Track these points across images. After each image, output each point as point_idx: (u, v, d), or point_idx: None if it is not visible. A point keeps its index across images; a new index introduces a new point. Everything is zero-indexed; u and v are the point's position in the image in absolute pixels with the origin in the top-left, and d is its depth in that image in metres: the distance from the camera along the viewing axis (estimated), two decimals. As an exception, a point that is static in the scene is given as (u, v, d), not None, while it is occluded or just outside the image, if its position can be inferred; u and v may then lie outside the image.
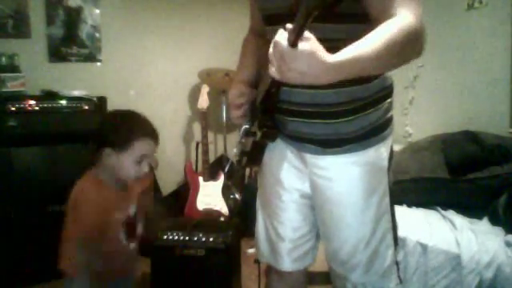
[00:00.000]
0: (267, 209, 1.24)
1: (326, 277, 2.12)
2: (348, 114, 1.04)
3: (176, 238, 2.01)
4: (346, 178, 1.09)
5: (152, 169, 1.43)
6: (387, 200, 1.15)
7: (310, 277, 2.12)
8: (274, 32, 0.84)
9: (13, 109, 2.21)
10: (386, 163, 1.12)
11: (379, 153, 1.10)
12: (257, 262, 1.38)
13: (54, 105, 2.32)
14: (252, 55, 1.25)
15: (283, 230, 1.21)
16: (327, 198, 1.12)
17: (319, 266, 2.08)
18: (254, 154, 1.20)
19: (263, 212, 1.27)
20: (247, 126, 1.19)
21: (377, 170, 1.11)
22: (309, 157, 1.11)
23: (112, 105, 2.54)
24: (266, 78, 1.01)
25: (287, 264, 1.24)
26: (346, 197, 1.10)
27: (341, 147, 1.06)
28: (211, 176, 2.78)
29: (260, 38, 1.26)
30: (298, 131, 1.08)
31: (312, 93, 1.01)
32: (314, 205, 1.18)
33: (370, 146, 1.08)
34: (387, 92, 1.13)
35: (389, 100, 1.13)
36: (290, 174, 1.17)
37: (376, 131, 1.09)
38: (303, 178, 1.16)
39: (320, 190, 1.13)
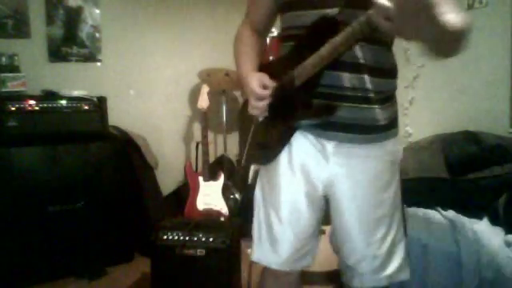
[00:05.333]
0: (275, 208, 1.20)
1: (326, 277, 2.12)
2: (381, 101, 1.10)
3: (176, 237, 2.01)
4: (369, 170, 1.12)
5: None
6: (399, 193, 1.19)
7: (309, 277, 2.12)
8: (299, 17, 1.03)
9: (13, 109, 2.21)
10: (400, 156, 1.18)
11: (396, 146, 1.17)
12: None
13: (54, 105, 2.33)
14: (254, 50, 1.24)
15: (293, 228, 1.19)
16: (349, 191, 1.13)
17: (319, 265, 2.09)
18: (271, 149, 1.17)
19: (269, 211, 1.22)
20: (262, 119, 1.17)
21: (394, 163, 1.17)
22: (333, 150, 1.11)
23: (112, 105, 2.55)
24: (318, 60, 0.98)
25: (288, 263, 1.22)
26: (368, 189, 1.13)
27: (376, 134, 1.11)
28: (211, 176, 2.78)
29: (259, 35, 1.27)
30: (340, 116, 1.06)
31: (359, 77, 1.05)
32: (333, 201, 1.17)
33: (392, 137, 1.15)
34: (395, 91, 1.19)
35: (396, 98, 1.20)
36: (308, 171, 1.15)
37: (395, 123, 1.17)
38: (322, 175, 1.14)
39: (342, 183, 1.13)
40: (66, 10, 2.80)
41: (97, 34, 2.91)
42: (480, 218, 1.86)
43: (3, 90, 2.32)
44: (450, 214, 1.91)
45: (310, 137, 1.13)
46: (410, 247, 1.71)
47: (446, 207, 1.97)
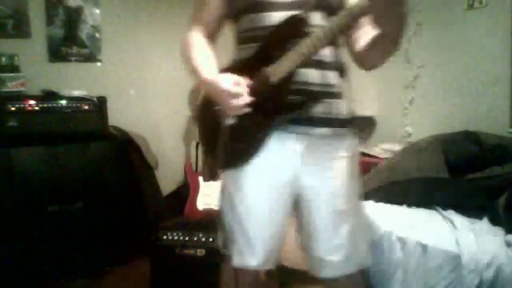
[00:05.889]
0: (247, 212, 1.21)
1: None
2: (342, 97, 1.20)
3: (176, 238, 2.01)
4: (337, 166, 1.19)
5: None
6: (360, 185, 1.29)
7: (309, 277, 2.12)
8: (262, 19, 1.09)
9: (13, 109, 2.21)
10: (358, 151, 1.28)
11: (355, 141, 1.26)
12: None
13: (54, 105, 2.33)
14: (211, 54, 1.24)
15: (266, 229, 1.21)
16: (320, 187, 1.19)
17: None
18: (245, 152, 1.18)
19: (240, 216, 1.23)
20: (233, 121, 1.15)
21: (356, 158, 1.26)
22: (302, 151, 1.16)
23: (112, 105, 2.55)
24: (297, 56, 1.04)
25: (264, 263, 1.24)
26: (337, 183, 1.19)
27: (343, 128, 1.19)
28: (211, 176, 2.78)
29: (209, 39, 1.27)
30: (313, 111, 1.13)
31: (325, 73, 1.14)
32: (304, 198, 1.21)
33: (353, 133, 1.24)
34: None
35: None
36: (277, 173, 1.18)
37: (353, 120, 1.25)
38: (292, 175, 1.18)
39: (313, 180, 1.18)
40: (66, 10, 2.80)
41: (97, 34, 2.91)
42: (480, 218, 1.86)
43: (3, 90, 2.32)
44: (450, 214, 1.91)
45: (279, 139, 1.15)
46: (409, 247, 1.72)
47: (446, 207, 1.97)
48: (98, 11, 2.90)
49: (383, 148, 2.61)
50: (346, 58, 1.23)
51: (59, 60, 2.80)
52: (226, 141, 1.18)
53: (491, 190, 1.87)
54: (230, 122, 1.16)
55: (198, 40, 1.25)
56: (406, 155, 2.24)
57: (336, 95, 1.17)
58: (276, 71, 1.07)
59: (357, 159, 1.27)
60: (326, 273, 1.23)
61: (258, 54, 1.13)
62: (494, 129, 2.17)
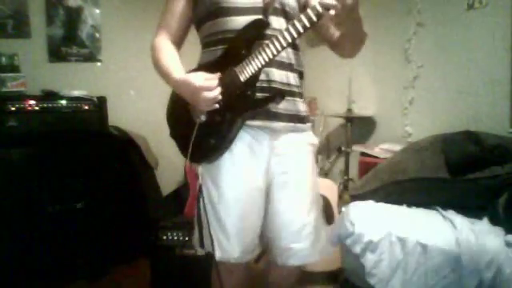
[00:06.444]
0: (224, 206, 1.26)
1: (326, 277, 2.12)
2: (300, 96, 1.32)
3: (176, 238, 2.01)
4: (302, 157, 1.30)
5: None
6: None
7: (309, 277, 2.12)
8: (227, 23, 1.17)
9: (13, 109, 2.22)
10: (317, 146, 1.39)
11: (314, 137, 1.38)
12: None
13: (54, 105, 2.33)
14: (178, 58, 1.32)
15: (244, 222, 1.25)
16: (290, 176, 1.27)
17: (319, 265, 2.09)
18: (218, 147, 1.23)
19: (219, 211, 1.28)
20: (204, 118, 1.20)
21: (314, 152, 1.38)
22: (269, 143, 1.25)
23: (112, 105, 2.55)
24: (266, 56, 1.13)
25: (243, 256, 1.27)
26: (303, 173, 1.30)
27: (302, 124, 1.31)
28: (211, 176, 2.78)
29: (175, 44, 1.34)
30: (276, 107, 1.23)
31: (286, 74, 1.25)
32: (275, 188, 1.27)
33: (310, 129, 1.37)
34: None
35: None
36: (249, 166, 1.24)
37: (309, 117, 1.38)
38: (263, 167, 1.25)
39: (282, 170, 1.27)
40: (66, 10, 2.80)
41: (97, 34, 2.91)
42: (480, 218, 1.85)
43: (3, 89, 2.33)
44: (450, 214, 1.91)
45: (248, 134, 1.23)
46: (409, 247, 1.72)
47: (446, 207, 1.97)
48: (98, 11, 2.90)
49: (383, 148, 2.61)
50: (304, 61, 1.34)
51: (59, 60, 2.80)
52: (198, 137, 1.23)
53: (491, 190, 1.87)
54: (201, 119, 1.21)
55: (165, 44, 1.32)
56: (406, 155, 2.24)
57: (296, 94, 1.30)
58: (243, 71, 1.15)
59: (315, 152, 1.40)
60: (293, 261, 1.29)
61: (224, 55, 1.21)
62: (494, 129, 2.17)
